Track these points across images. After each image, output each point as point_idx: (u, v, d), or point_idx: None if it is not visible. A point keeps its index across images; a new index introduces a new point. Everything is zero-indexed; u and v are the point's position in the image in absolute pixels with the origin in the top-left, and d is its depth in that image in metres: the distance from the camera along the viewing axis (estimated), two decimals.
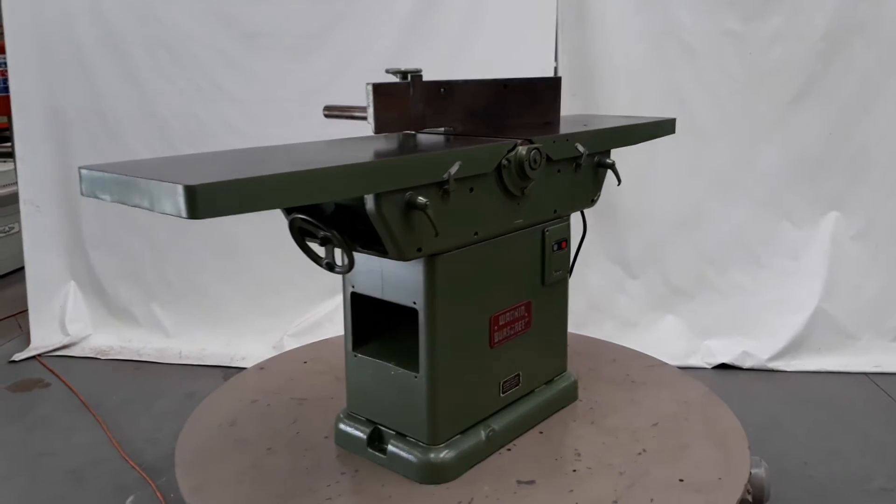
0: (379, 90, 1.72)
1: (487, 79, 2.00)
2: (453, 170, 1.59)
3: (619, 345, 2.75)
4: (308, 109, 2.28)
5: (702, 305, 3.77)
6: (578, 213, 2.22)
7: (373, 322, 1.92)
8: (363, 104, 1.88)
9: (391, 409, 1.85)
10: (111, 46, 3.75)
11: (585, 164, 2.02)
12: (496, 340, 1.91)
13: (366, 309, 1.89)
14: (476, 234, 1.76)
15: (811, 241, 3.70)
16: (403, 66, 1.89)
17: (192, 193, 1.17)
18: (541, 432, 2.05)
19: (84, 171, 1.39)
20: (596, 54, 3.59)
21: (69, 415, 3.27)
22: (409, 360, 1.79)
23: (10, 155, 4.47)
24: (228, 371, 3.63)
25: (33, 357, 3.87)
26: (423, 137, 1.88)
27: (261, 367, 2.50)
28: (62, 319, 4.02)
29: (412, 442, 1.81)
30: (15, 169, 4.01)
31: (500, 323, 1.91)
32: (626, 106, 3.62)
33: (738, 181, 3.68)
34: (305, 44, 3.66)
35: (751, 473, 1.89)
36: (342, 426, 1.95)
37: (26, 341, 4.01)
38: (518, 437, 2.00)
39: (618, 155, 3.79)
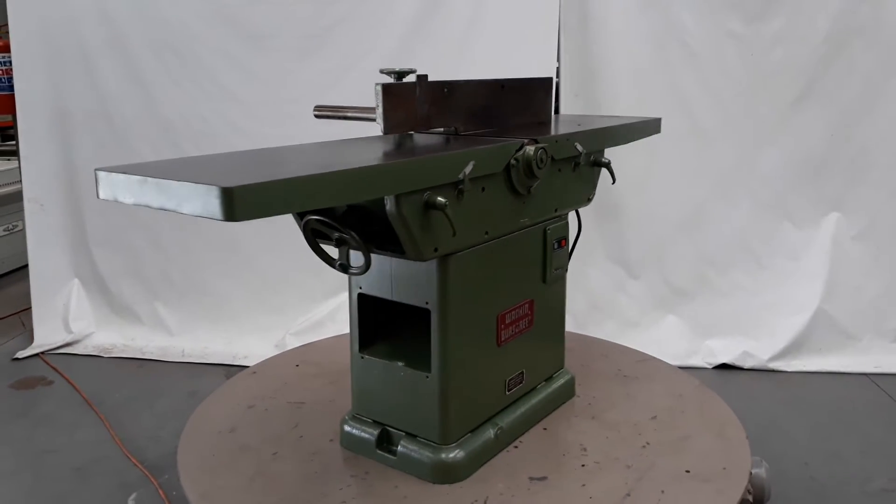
0: (388, 91, 1.72)
1: (486, 79, 2.02)
2: (468, 169, 1.61)
3: (607, 341, 2.80)
4: (312, 110, 2.30)
5: (703, 306, 3.77)
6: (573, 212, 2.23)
7: (377, 323, 1.92)
8: (359, 105, 1.89)
9: (400, 410, 1.84)
10: (116, 46, 3.77)
11: (583, 164, 2.05)
12: (503, 339, 1.92)
13: (371, 310, 1.89)
14: (487, 233, 1.78)
15: (812, 241, 3.71)
16: (403, 67, 1.90)
17: (229, 195, 1.15)
18: (545, 429, 2.07)
19: (102, 174, 1.36)
20: (598, 55, 3.60)
21: (72, 412, 3.28)
22: (418, 360, 1.80)
23: (14, 153, 4.48)
24: (231, 369, 3.64)
25: (37, 355, 3.88)
26: (424, 137, 1.89)
27: (252, 371, 2.49)
28: (65, 317, 4.04)
29: (423, 442, 1.81)
30: (19, 167, 4.02)
31: (507, 321, 1.93)
32: (628, 107, 3.63)
33: (739, 182, 3.69)
34: (310, 45, 3.67)
35: (751, 473, 1.90)
36: (348, 428, 1.94)
37: (30, 339, 4.02)
38: (523, 434, 2.02)
39: (620, 155, 3.80)
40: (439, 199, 1.55)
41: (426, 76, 1.81)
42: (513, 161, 1.76)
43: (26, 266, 4.11)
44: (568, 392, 2.24)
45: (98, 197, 1.39)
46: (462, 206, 1.65)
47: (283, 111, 3.69)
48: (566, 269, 2.18)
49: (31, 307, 4.07)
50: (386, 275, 1.77)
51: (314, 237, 1.65)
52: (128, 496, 2.16)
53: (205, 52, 3.73)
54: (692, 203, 3.73)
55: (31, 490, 2.71)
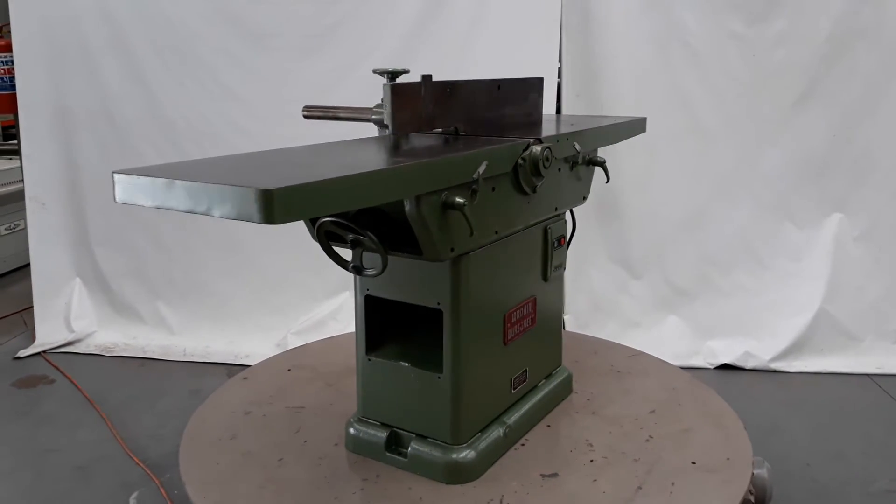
0: (396, 91, 1.71)
1: (484, 79, 2.03)
2: (481, 169, 1.61)
3: (595, 337, 2.84)
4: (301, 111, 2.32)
5: (704, 306, 3.77)
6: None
7: (383, 325, 1.92)
8: (350, 105, 1.89)
9: (410, 412, 1.84)
10: (118, 46, 3.77)
11: (580, 163, 2.07)
12: (509, 337, 1.93)
13: (378, 312, 1.88)
14: (496, 232, 1.79)
15: (814, 242, 3.71)
16: (396, 67, 1.91)
17: (268, 197, 1.12)
18: (548, 426, 2.09)
19: (119, 177, 1.32)
20: (600, 55, 3.60)
21: (74, 411, 3.28)
22: (427, 361, 1.80)
23: (16, 152, 4.47)
24: (232, 368, 3.65)
25: (38, 354, 3.88)
26: (427, 138, 1.89)
27: (244, 377, 2.45)
28: (67, 316, 4.04)
29: (434, 443, 1.81)
30: (21, 166, 4.02)
31: (513, 320, 1.94)
32: (630, 107, 3.63)
33: (741, 182, 3.69)
34: (312, 44, 3.67)
35: (753, 474, 1.91)
36: (355, 431, 1.93)
37: (31, 338, 4.02)
38: (528, 431, 2.04)
39: (621, 155, 3.81)
40: (457, 199, 1.55)
41: (430, 76, 1.81)
42: (520, 160, 1.78)
43: (28, 265, 4.12)
44: (567, 389, 2.27)
45: (115, 200, 1.35)
46: (475, 206, 1.65)
47: (285, 111, 3.66)
48: (564, 268, 2.20)
49: (32, 306, 4.07)
50: (395, 276, 1.76)
51: (327, 240, 1.65)
52: (129, 495, 2.16)
53: (206, 51, 3.73)
54: (694, 203, 3.73)
55: (32, 489, 2.72)
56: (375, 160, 1.53)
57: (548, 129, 2.05)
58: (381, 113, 1.91)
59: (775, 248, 3.75)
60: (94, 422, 3.17)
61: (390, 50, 3.60)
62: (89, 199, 3.99)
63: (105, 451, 2.93)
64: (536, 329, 2.06)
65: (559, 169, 2.00)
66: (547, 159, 1.81)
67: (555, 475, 1.84)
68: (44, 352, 3.89)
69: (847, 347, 3.68)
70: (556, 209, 2.06)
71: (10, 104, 4.11)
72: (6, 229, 5.26)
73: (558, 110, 3.67)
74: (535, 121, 2.24)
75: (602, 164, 2.13)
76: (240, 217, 1.16)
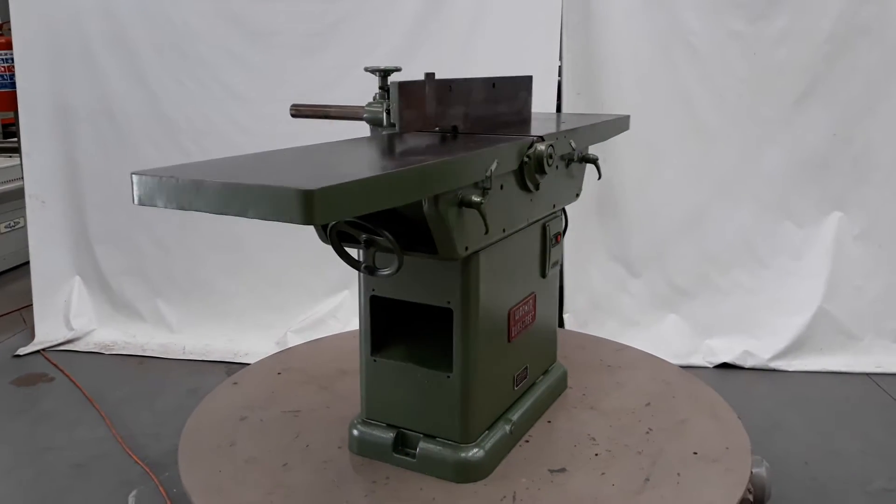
0: (404, 89, 1.71)
1: (480, 77, 2.03)
2: (493, 167, 1.62)
3: (579, 332, 2.86)
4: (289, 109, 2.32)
5: (704, 305, 3.77)
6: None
7: (387, 325, 1.91)
8: (352, 103, 1.89)
9: (418, 412, 1.83)
10: (119, 44, 3.77)
11: (575, 160, 2.08)
12: (513, 334, 1.94)
13: (381, 312, 1.88)
14: (504, 230, 1.79)
15: (814, 241, 3.71)
16: (391, 65, 1.91)
17: (308, 198, 1.10)
18: (549, 421, 2.10)
19: (138, 178, 1.28)
20: (600, 54, 3.60)
21: (73, 409, 3.28)
22: (435, 360, 1.80)
23: (16, 150, 4.48)
24: (232, 367, 3.65)
25: (38, 351, 3.88)
26: (425, 136, 1.88)
27: (234, 382, 2.42)
28: (67, 314, 4.04)
29: (444, 442, 1.81)
30: (21, 164, 4.02)
31: (516, 317, 1.95)
32: (631, 106, 3.62)
33: (741, 181, 3.69)
34: (313, 43, 3.67)
35: (752, 473, 1.91)
36: (360, 433, 1.91)
37: (31, 336, 4.02)
38: (530, 428, 2.04)
39: (622, 154, 3.81)
40: (474, 197, 1.55)
41: (433, 74, 1.80)
42: (525, 158, 1.79)
43: (28, 263, 4.12)
44: (562, 385, 2.29)
45: (134, 203, 1.31)
46: (486, 204, 1.65)
47: (286, 109, 3.67)
48: (560, 264, 2.22)
49: (32, 304, 4.06)
50: (402, 276, 1.74)
51: (339, 240, 1.64)
52: (128, 493, 2.16)
53: (207, 49, 3.73)
54: (694, 202, 3.73)
55: (31, 487, 2.72)
56: (399, 159, 1.53)
57: (539, 128, 2.06)
58: (375, 111, 1.91)
59: (775, 247, 3.75)
60: (93, 420, 3.18)
61: (391, 48, 3.59)
62: (89, 197, 3.99)
63: (104, 449, 2.93)
64: (536, 325, 2.08)
65: (556, 167, 2.01)
66: (550, 157, 1.83)
67: (563, 470, 1.85)
68: (43, 350, 3.89)
69: (846, 346, 3.68)
70: (553, 206, 2.08)
71: (11, 102, 4.11)
72: (6, 227, 5.26)
73: (559, 109, 3.67)
74: (525, 118, 2.27)
75: (595, 161, 2.14)
76: (276, 218, 1.14)
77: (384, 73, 1.89)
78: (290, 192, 1.11)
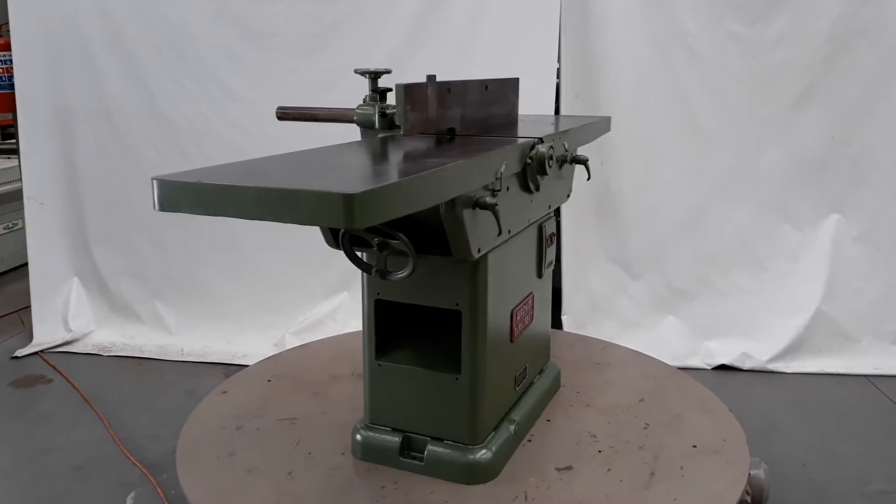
0: (409, 92, 1.70)
1: (475, 80, 2.04)
2: (503, 168, 1.62)
3: (567, 332, 2.86)
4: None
5: (702, 307, 3.78)
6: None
7: (390, 329, 1.90)
8: (337, 105, 1.89)
9: (424, 415, 1.83)
10: (117, 45, 3.77)
11: (568, 161, 2.10)
12: (515, 334, 1.95)
13: (385, 316, 1.87)
14: (509, 231, 1.80)
15: (812, 243, 3.71)
16: (382, 67, 1.91)
17: (351, 202, 1.10)
18: (548, 420, 2.11)
19: (162, 182, 1.24)
20: (599, 56, 3.60)
21: (71, 411, 3.28)
22: (440, 363, 1.79)
23: (14, 151, 4.48)
24: (230, 368, 3.64)
25: (36, 353, 3.88)
26: (425, 138, 1.89)
27: (223, 391, 2.36)
28: (65, 316, 4.04)
29: (451, 445, 1.80)
30: (19, 166, 4.02)
31: (517, 317, 1.96)
32: (629, 107, 3.63)
33: (740, 183, 3.69)
34: (312, 44, 3.67)
35: (750, 475, 1.92)
36: (365, 439, 1.89)
37: (29, 337, 4.02)
38: (531, 427, 2.05)
39: (621, 156, 3.81)
40: (488, 199, 1.56)
41: (435, 76, 1.80)
42: (528, 159, 1.80)
43: (26, 264, 4.11)
44: (557, 383, 2.30)
45: (155, 209, 1.27)
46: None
47: None
48: (553, 265, 2.25)
49: (30, 305, 4.06)
50: (409, 279, 1.72)
51: (351, 244, 1.64)
52: (127, 495, 2.16)
53: (206, 50, 3.73)
54: (692, 204, 3.73)
55: (29, 488, 2.71)
56: (421, 161, 1.52)
57: (529, 129, 2.08)
58: (366, 113, 1.91)
59: (773, 249, 3.75)
60: (91, 421, 3.17)
61: (390, 50, 3.60)
62: (87, 198, 3.99)
63: (102, 451, 2.93)
64: (533, 325, 2.09)
65: (550, 167, 2.03)
66: (551, 158, 1.85)
67: (569, 468, 1.86)
68: (41, 351, 3.89)
69: (844, 348, 3.69)
70: (549, 207, 2.10)
71: (9, 103, 4.11)
72: (4, 228, 5.25)
73: (557, 111, 3.68)
74: (513, 120, 2.29)
75: (585, 162, 2.15)
76: (316, 222, 1.15)
77: (374, 76, 1.90)
78: (332, 197, 1.10)
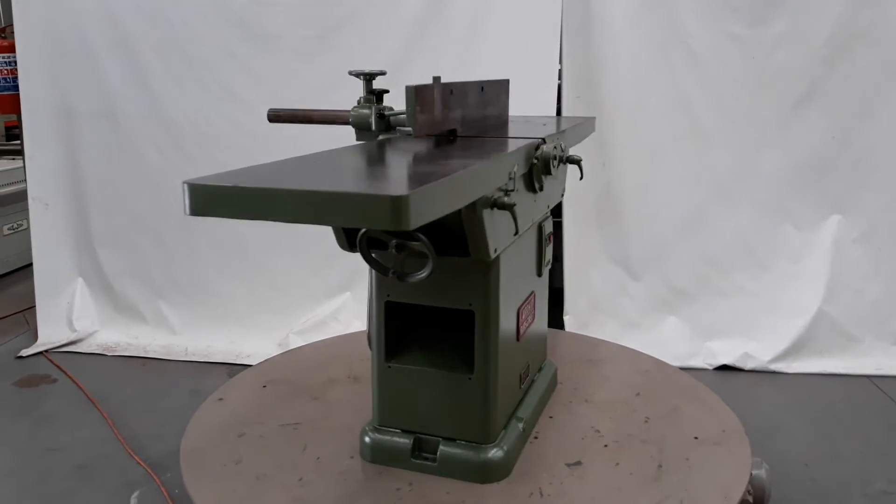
0: (419, 93, 1.70)
1: (473, 81, 2.05)
2: (515, 169, 1.64)
3: (555, 330, 2.90)
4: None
5: (704, 307, 3.78)
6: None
7: (399, 331, 1.89)
8: (339, 107, 1.89)
9: (436, 415, 1.82)
10: (121, 46, 3.78)
11: (563, 161, 2.10)
12: (521, 333, 1.96)
13: (395, 318, 1.87)
14: (517, 231, 1.81)
15: (813, 243, 3.71)
16: (376, 69, 1.91)
17: (403, 203, 1.09)
18: (550, 417, 2.13)
19: (194, 186, 1.21)
20: (600, 58, 3.61)
21: (75, 410, 3.30)
22: (451, 363, 1.80)
23: (19, 153, 4.49)
24: (234, 368, 3.66)
25: (40, 353, 3.90)
26: (426, 140, 1.90)
27: (218, 398, 2.30)
28: (69, 316, 4.05)
29: (464, 444, 1.80)
30: (24, 167, 4.04)
31: (523, 316, 1.97)
32: (630, 109, 3.64)
33: (740, 184, 3.70)
34: (314, 45, 3.69)
35: (751, 474, 1.93)
36: (374, 441, 1.88)
37: (33, 337, 4.04)
38: (535, 424, 2.07)
39: (622, 157, 3.82)
40: (506, 199, 1.57)
41: (439, 78, 1.81)
42: (534, 160, 1.81)
43: (30, 265, 4.13)
44: (555, 381, 2.32)
45: (186, 213, 1.23)
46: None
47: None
48: (551, 263, 2.28)
49: (35, 305, 4.08)
50: (421, 280, 1.72)
51: (368, 246, 1.63)
52: (130, 494, 2.17)
53: (209, 52, 3.75)
54: (693, 205, 3.74)
55: (34, 488, 2.73)
56: (447, 162, 1.52)
57: (519, 130, 2.09)
58: (362, 115, 1.92)
59: (774, 250, 3.76)
60: (95, 421, 3.19)
61: (392, 52, 3.61)
62: (92, 199, 4.00)
63: (106, 451, 2.95)
64: (535, 324, 2.11)
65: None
66: (555, 158, 1.86)
67: (578, 463, 1.88)
68: (46, 351, 3.91)
69: (846, 349, 3.69)
70: (547, 207, 2.12)
71: (14, 104, 4.13)
72: (9, 229, 5.28)
73: (559, 112, 3.69)
74: (504, 121, 2.30)
75: (578, 163, 2.17)
76: (362, 224, 1.14)
77: (369, 77, 1.90)
78: (382, 199, 1.10)
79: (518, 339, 1.94)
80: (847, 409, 3.30)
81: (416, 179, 1.25)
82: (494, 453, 1.80)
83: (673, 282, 3.81)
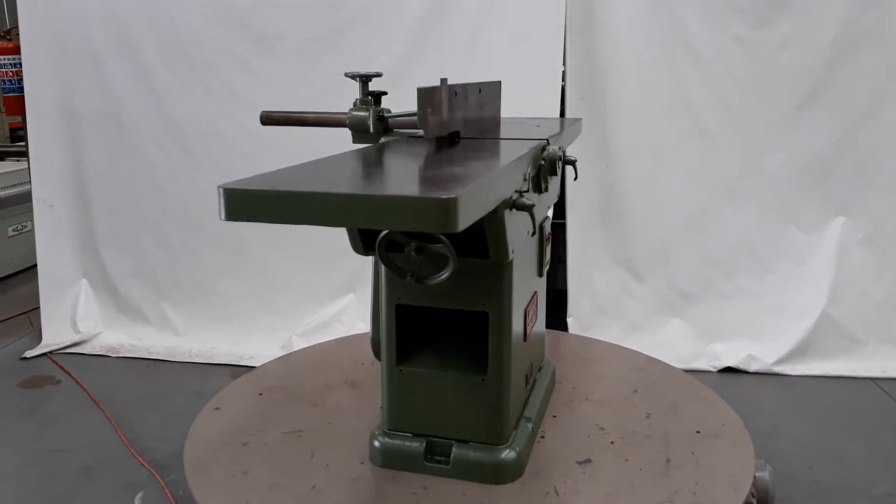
0: (430, 95, 1.70)
1: (472, 83, 2.05)
2: (528, 170, 1.64)
3: (549, 330, 2.87)
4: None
5: (708, 309, 3.77)
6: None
7: (409, 334, 1.88)
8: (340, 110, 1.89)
9: (448, 418, 1.82)
10: (125, 48, 3.80)
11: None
12: (527, 333, 1.96)
13: (405, 321, 1.86)
14: (534, 232, 1.83)
15: (818, 245, 3.71)
16: (372, 70, 1.91)
17: (453, 205, 1.10)
18: (554, 416, 2.13)
19: (230, 191, 1.18)
20: (604, 59, 3.61)
21: (79, 412, 3.30)
22: (463, 365, 1.80)
23: (23, 154, 4.51)
24: (237, 369, 3.66)
25: (45, 354, 3.90)
26: (428, 143, 1.90)
27: (215, 407, 2.25)
28: (73, 317, 4.06)
29: (477, 446, 1.80)
30: (28, 168, 4.05)
31: (528, 317, 1.98)
32: (634, 110, 3.64)
33: (745, 186, 3.69)
34: (318, 47, 3.69)
35: (755, 476, 1.93)
36: (385, 446, 1.87)
37: (38, 338, 4.05)
38: (541, 424, 2.07)
39: (625, 159, 3.81)
40: (526, 200, 1.56)
41: (447, 80, 1.81)
42: (542, 161, 1.82)
43: (35, 266, 4.14)
44: (554, 380, 2.32)
45: (222, 219, 1.21)
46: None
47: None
48: (549, 264, 2.28)
49: (39, 307, 4.09)
50: (442, 282, 1.70)
51: (387, 250, 1.62)
52: (134, 495, 2.17)
53: (213, 54, 3.76)
54: (698, 206, 3.73)
55: (38, 488, 2.73)
56: (468, 163, 1.53)
57: (510, 131, 2.10)
58: (360, 117, 1.91)
59: (779, 252, 3.75)
60: (99, 422, 3.19)
61: (395, 54, 3.61)
62: (96, 200, 4.01)
63: (110, 452, 2.95)
64: (537, 324, 2.12)
65: None
66: (560, 158, 1.86)
67: (588, 461, 1.89)
68: (50, 352, 3.92)
69: (851, 351, 3.68)
70: (547, 207, 2.13)
71: (19, 106, 4.15)
72: (14, 230, 5.29)
73: (562, 114, 3.69)
74: (497, 123, 2.32)
75: (573, 163, 2.17)
76: (409, 227, 1.16)
77: (365, 79, 1.90)
78: (432, 202, 1.10)
79: (525, 340, 1.94)
80: (851, 412, 3.29)
81: (457, 182, 1.24)
82: (508, 454, 1.80)
83: (677, 284, 3.80)
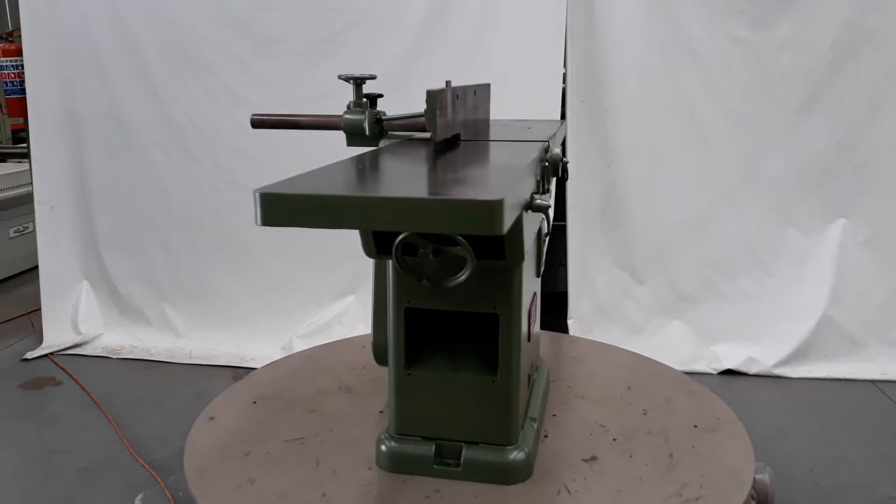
0: (438, 98, 1.70)
1: (469, 85, 2.06)
2: (538, 171, 1.65)
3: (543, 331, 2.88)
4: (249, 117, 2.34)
5: (708, 311, 3.78)
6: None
7: (417, 337, 1.87)
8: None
9: (458, 420, 1.81)
10: (127, 50, 3.81)
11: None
12: (531, 333, 1.97)
13: (413, 324, 1.84)
14: (549, 232, 1.85)
15: (818, 247, 3.71)
16: (366, 73, 1.91)
17: (498, 208, 1.10)
18: (554, 415, 2.13)
19: (267, 195, 1.15)
20: (604, 61, 3.61)
21: (80, 413, 3.31)
22: (472, 366, 1.80)
23: (25, 156, 4.52)
24: (238, 371, 3.67)
25: (46, 355, 3.91)
26: (448, 144, 1.90)
27: (209, 416, 2.19)
28: (75, 318, 4.07)
29: (487, 447, 1.80)
30: (30, 169, 4.06)
31: (531, 316, 1.98)
32: (634, 112, 3.64)
33: (745, 188, 3.69)
34: (319, 50, 3.70)
35: (755, 479, 1.93)
36: (393, 450, 1.85)
37: (39, 340, 4.05)
38: (543, 423, 2.07)
39: (626, 161, 3.81)
40: (542, 201, 1.56)
41: (450, 82, 1.81)
42: (545, 162, 1.82)
43: (36, 267, 4.15)
44: (548, 379, 2.33)
45: (258, 223, 1.18)
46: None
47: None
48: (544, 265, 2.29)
49: (40, 308, 4.10)
50: (460, 284, 1.68)
51: (403, 253, 1.61)
52: (135, 496, 2.17)
53: (215, 56, 3.77)
54: (698, 208, 3.74)
55: (38, 490, 2.74)
56: (488, 164, 1.53)
57: (500, 133, 2.10)
58: (355, 120, 1.91)
59: (779, 254, 3.75)
60: (100, 423, 3.20)
61: (396, 56, 3.61)
62: (97, 202, 4.02)
63: (111, 453, 2.95)
64: (535, 324, 2.13)
65: None
66: (562, 160, 1.87)
67: (594, 458, 1.89)
68: (51, 354, 3.92)
69: (851, 353, 3.68)
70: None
71: (21, 108, 4.16)
72: (15, 232, 5.30)
73: (563, 116, 3.69)
74: (488, 125, 2.34)
75: (566, 164, 2.18)
76: (460, 231, 1.16)
77: (359, 81, 1.89)
78: (480, 204, 1.11)
79: (528, 340, 1.94)
80: (852, 414, 3.29)
81: (488, 185, 1.25)
82: (518, 454, 1.80)
83: (677, 286, 3.81)
